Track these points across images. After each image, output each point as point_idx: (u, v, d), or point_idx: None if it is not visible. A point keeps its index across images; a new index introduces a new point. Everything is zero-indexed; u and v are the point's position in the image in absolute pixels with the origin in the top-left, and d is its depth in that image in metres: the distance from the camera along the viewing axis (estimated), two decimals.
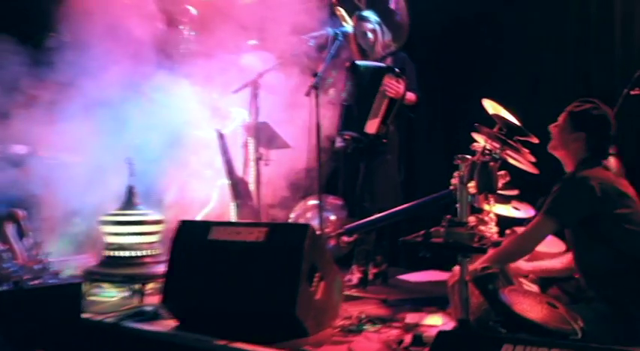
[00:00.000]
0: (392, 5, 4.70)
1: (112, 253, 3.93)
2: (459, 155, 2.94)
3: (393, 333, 3.06)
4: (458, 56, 4.89)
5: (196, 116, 4.81)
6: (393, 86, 4.19)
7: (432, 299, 3.58)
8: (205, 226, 3.38)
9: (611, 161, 2.76)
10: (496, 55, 4.74)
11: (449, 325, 3.05)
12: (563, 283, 2.91)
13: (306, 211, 4.73)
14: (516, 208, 3.50)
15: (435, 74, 4.89)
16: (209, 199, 5.02)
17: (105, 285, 3.89)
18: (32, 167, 4.28)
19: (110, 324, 3.34)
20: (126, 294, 3.84)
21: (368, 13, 4.48)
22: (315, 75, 4.05)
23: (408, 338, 2.89)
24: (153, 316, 3.38)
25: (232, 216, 4.73)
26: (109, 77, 4.43)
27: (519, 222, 3.31)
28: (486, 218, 3.07)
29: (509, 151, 3.14)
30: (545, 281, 2.95)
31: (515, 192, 3.45)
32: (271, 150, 4.67)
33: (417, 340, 2.84)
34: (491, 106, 3.26)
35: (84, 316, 3.43)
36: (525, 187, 3.47)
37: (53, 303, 3.29)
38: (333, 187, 4.70)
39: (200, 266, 3.24)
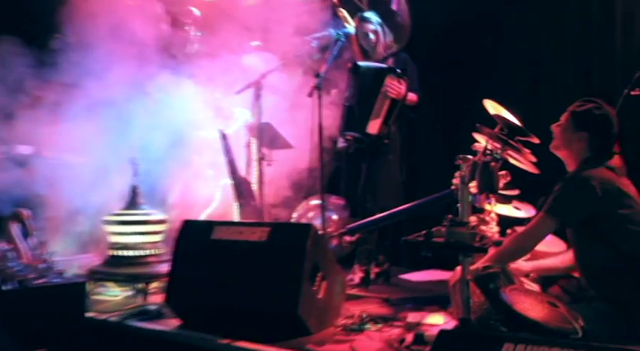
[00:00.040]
0: (393, 6, 4.72)
1: (115, 253, 3.94)
2: (461, 155, 2.95)
3: (394, 332, 3.07)
4: (459, 57, 4.89)
5: (200, 116, 4.82)
6: (395, 87, 4.21)
7: (433, 298, 3.58)
8: (208, 225, 3.39)
9: (615, 160, 2.75)
10: (497, 55, 4.74)
11: (450, 324, 3.05)
12: (564, 283, 2.91)
13: (308, 211, 4.75)
14: (517, 208, 3.51)
15: (436, 75, 4.88)
16: (212, 199, 5.02)
17: (109, 284, 3.90)
18: (37, 167, 4.28)
19: (114, 323, 3.35)
20: (130, 293, 3.85)
21: (370, 15, 4.49)
22: (317, 76, 4.06)
23: (409, 337, 2.89)
24: (156, 315, 3.38)
25: (235, 216, 4.75)
26: (113, 78, 4.44)
27: (520, 222, 3.32)
28: (487, 218, 3.09)
29: (510, 151, 3.15)
30: (546, 280, 2.96)
31: (516, 192, 3.46)
32: (274, 150, 4.67)
33: (419, 338, 2.84)
34: (492, 107, 3.27)
35: (88, 314, 3.44)
36: (526, 187, 3.48)
37: (57, 302, 3.29)
38: (336, 187, 4.70)
39: (203, 266, 3.25)
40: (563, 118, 2.85)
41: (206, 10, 5.25)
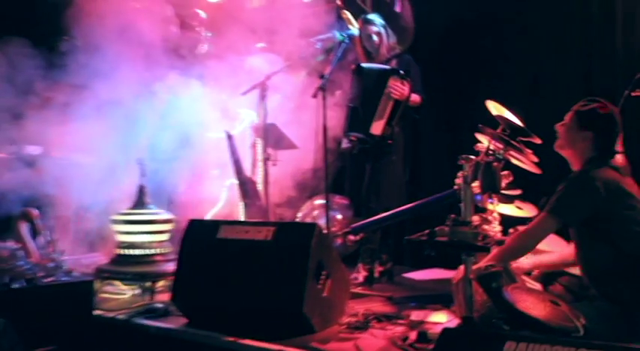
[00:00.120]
0: (397, 8, 4.74)
1: (123, 252, 3.95)
2: (463, 155, 2.97)
3: (398, 330, 3.08)
4: (461, 58, 4.89)
5: (206, 117, 4.83)
6: (398, 88, 4.23)
7: (436, 297, 3.59)
8: (214, 225, 3.40)
9: (619, 159, 2.75)
10: (499, 56, 4.74)
11: (453, 322, 3.06)
12: (566, 281, 2.91)
13: (312, 211, 4.78)
14: (519, 208, 3.52)
15: (439, 76, 4.87)
16: (218, 199, 5.05)
17: (116, 283, 3.92)
18: (45, 167, 4.29)
19: (121, 321, 3.36)
20: (137, 291, 3.87)
21: (373, 16, 4.50)
22: (321, 77, 4.08)
23: (413, 335, 2.90)
24: (163, 313, 3.40)
25: (241, 215, 4.77)
26: (121, 79, 4.46)
27: (522, 221, 3.32)
28: (490, 217, 3.11)
29: (512, 152, 3.18)
30: (548, 279, 2.97)
31: (518, 192, 3.47)
32: (279, 150, 4.68)
33: (422, 336, 2.85)
34: (494, 107, 3.30)
35: (96, 313, 3.45)
36: (528, 187, 3.49)
37: (66, 300, 3.30)
38: (340, 187, 4.73)
39: (209, 264, 3.26)
40: (567, 117, 2.83)
41: (212, 12, 5.29)
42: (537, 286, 2.96)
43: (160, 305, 3.49)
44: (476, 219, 2.98)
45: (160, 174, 4.53)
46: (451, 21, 4.93)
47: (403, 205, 3.96)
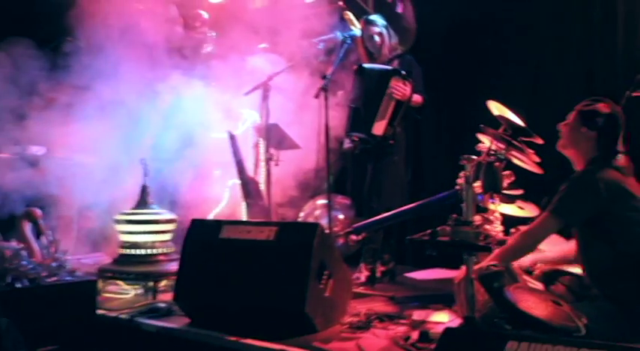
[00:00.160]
0: (399, 9, 4.75)
1: (126, 251, 3.97)
2: (465, 156, 2.96)
3: (400, 329, 3.08)
4: (463, 58, 4.89)
5: (209, 117, 4.85)
6: (400, 88, 4.24)
7: (438, 297, 3.59)
8: (217, 225, 3.41)
9: (622, 159, 2.74)
10: (500, 56, 4.74)
11: (455, 322, 3.06)
12: (567, 281, 2.92)
13: (315, 210, 4.79)
14: (521, 208, 3.52)
15: (441, 76, 4.87)
16: (220, 199, 5.07)
17: (119, 282, 3.94)
18: (49, 167, 4.31)
19: (124, 320, 3.37)
20: (140, 291, 3.89)
21: (375, 17, 4.52)
22: (324, 77, 4.10)
23: (415, 335, 2.90)
24: (166, 313, 3.41)
25: (243, 215, 4.78)
26: (124, 79, 4.48)
27: (524, 221, 3.31)
28: (492, 217, 3.12)
29: (514, 152, 3.18)
30: (550, 279, 2.98)
31: (519, 192, 3.47)
32: (281, 151, 4.69)
33: (424, 336, 2.85)
34: (496, 108, 3.30)
35: (99, 312, 3.46)
36: (530, 187, 3.49)
37: (69, 300, 3.30)
38: (342, 187, 4.74)
39: (211, 264, 3.27)
40: (570, 116, 2.83)
41: (214, 12, 5.30)
42: (539, 285, 2.95)
43: (162, 305, 3.50)
44: (477, 219, 2.98)
45: (163, 174, 4.54)
46: (453, 21, 4.94)
47: (405, 205, 3.96)
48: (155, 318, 3.37)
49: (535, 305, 2.45)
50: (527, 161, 3.25)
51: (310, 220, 4.72)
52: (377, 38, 4.47)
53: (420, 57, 4.58)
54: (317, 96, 4.07)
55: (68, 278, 3.42)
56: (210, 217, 4.90)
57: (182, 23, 5.03)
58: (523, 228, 2.93)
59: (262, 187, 4.74)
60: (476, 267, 2.68)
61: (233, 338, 2.99)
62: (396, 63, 4.45)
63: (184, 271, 3.36)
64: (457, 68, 4.93)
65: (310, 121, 4.56)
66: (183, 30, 5.07)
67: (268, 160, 4.63)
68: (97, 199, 4.41)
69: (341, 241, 4.30)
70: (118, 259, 4.01)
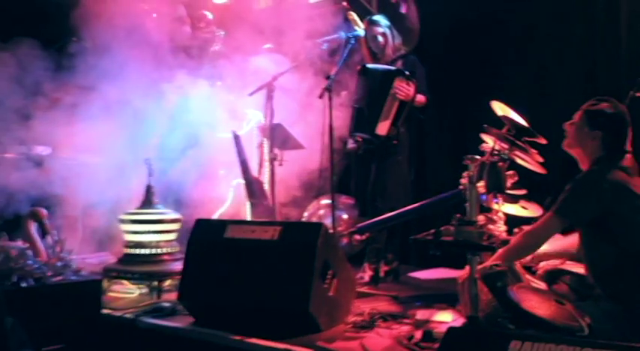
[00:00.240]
0: (402, 10, 4.76)
1: (131, 251, 3.97)
2: (469, 156, 2.97)
3: (404, 329, 3.08)
4: (467, 59, 4.89)
5: (213, 117, 4.85)
6: (404, 89, 4.24)
7: (442, 296, 3.59)
8: (221, 224, 3.42)
9: (628, 159, 2.74)
10: (504, 57, 4.74)
11: (459, 321, 3.06)
12: (570, 281, 2.93)
13: (318, 210, 4.79)
14: (524, 208, 3.52)
15: (444, 76, 4.87)
16: (225, 199, 5.08)
17: (124, 282, 3.94)
18: (54, 167, 4.32)
19: (129, 320, 3.38)
20: (144, 291, 3.90)
21: (378, 18, 4.53)
22: (328, 78, 4.11)
23: (418, 334, 2.90)
24: (170, 312, 3.41)
25: (247, 215, 4.79)
26: (130, 79, 4.49)
27: (527, 221, 3.32)
28: (495, 217, 3.12)
29: (517, 152, 3.18)
30: (553, 278, 2.98)
31: (523, 191, 3.46)
32: (285, 151, 4.69)
33: (428, 336, 2.85)
34: (499, 108, 3.31)
35: (104, 311, 3.47)
36: (533, 187, 3.49)
37: (74, 299, 3.32)
38: (346, 186, 4.74)
39: (216, 264, 3.27)
40: (576, 116, 2.82)
41: (219, 13, 5.31)
42: (542, 285, 2.96)
43: (167, 304, 3.51)
44: (481, 219, 2.99)
45: (168, 174, 4.55)
46: (456, 22, 4.93)
47: (409, 204, 3.97)
48: (159, 317, 3.37)
49: (538, 305, 2.46)
50: (530, 161, 3.25)
51: (314, 219, 4.72)
52: (380, 38, 4.48)
53: (424, 57, 4.59)
54: (321, 96, 4.09)
55: (73, 278, 3.44)
56: (215, 216, 4.90)
57: (190, 23, 5.04)
58: (526, 228, 2.94)
59: (266, 186, 4.74)
60: (479, 267, 2.68)
61: (237, 337, 2.99)
62: (399, 63, 4.46)
63: (189, 270, 3.36)
64: (460, 68, 4.92)
65: (314, 121, 4.57)
66: (194, 29, 5.07)
67: (272, 160, 4.63)
68: (102, 198, 4.42)
69: (345, 240, 4.31)
70: (123, 258, 4.01)
